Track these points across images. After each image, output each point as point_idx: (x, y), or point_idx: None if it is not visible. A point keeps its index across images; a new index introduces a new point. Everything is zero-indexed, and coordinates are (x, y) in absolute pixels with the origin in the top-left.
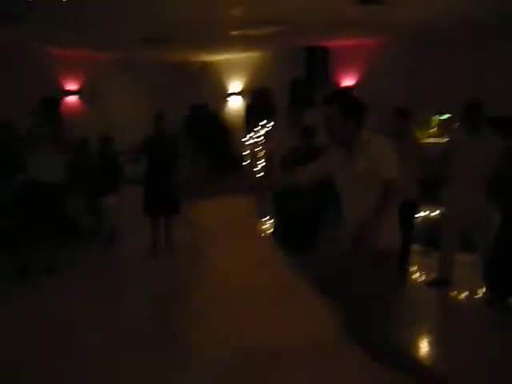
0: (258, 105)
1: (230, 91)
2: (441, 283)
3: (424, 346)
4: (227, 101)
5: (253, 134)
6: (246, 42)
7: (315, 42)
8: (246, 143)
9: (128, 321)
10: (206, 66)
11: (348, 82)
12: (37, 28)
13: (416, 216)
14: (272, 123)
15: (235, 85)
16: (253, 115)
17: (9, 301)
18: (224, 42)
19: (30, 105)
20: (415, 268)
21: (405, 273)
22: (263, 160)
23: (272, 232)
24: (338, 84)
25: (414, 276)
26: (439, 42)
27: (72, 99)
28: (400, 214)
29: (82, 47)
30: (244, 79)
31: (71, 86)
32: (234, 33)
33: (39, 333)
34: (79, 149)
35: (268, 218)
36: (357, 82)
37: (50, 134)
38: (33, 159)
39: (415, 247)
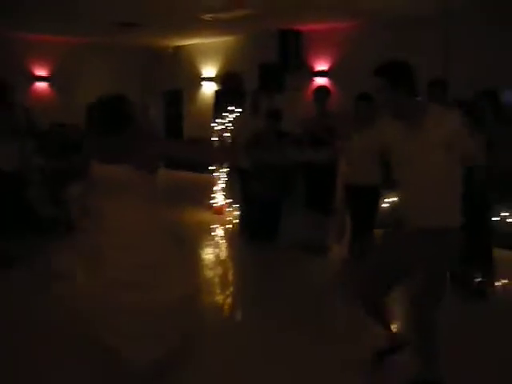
0: (227, 90)
1: (203, 76)
2: None
3: None
4: (201, 85)
5: (220, 119)
6: (219, 26)
7: (288, 26)
8: (215, 128)
9: None
10: (179, 51)
11: (321, 66)
12: (5, 12)
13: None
14: (240, 108)
15: (209, 69)
16: (222, 100)
17: None
18: (197, 26)
19: None
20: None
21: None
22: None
23: (239, 221)
24: (312, 68)
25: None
26: (412, 26)
27: (42, 85)
28: (363, 198)
29: (54, 32)
30: (218, 64)
31: (41, 71)
32: (207, 16)
33: None
34: (43, 136)
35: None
36: (330, 66)
37: (2, 121)
38: None
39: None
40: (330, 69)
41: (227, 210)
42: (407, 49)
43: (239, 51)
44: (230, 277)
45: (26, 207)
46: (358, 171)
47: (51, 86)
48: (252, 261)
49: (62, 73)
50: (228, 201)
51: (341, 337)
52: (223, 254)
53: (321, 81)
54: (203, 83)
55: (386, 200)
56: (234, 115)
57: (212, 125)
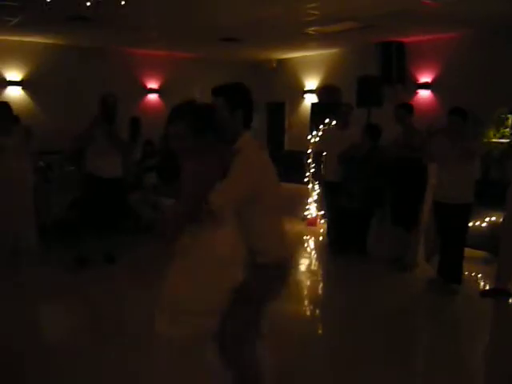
0: (324, 102)
1: (306, 88)
2: (498, 293)
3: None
4: (303, 98)
5: (316, 131)
6: (322, 39)
7: (391, 38)
8: (311, 141)
9: None
10: (282, 64)
11: (425, 78)
12: (117, 29)
13: (469, 220)
14: (334, 122)
15: (311, 82)
16: (319, 113)
17: (70, 289)
18: (300, 39)
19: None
20: (478, 276)
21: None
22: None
23: (327, 233)
24: (416, 80)
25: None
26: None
27: (153, 97)
28: (454, 217)
29: (164, 48)
30: (320, 76)
31: (152, 84)
32: (311, 30)
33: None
34: (146, 147)
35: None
36: (434, 78)
37: (105, 133)
38: (91, 156)
39: (482, 254)
40: (434, 81)
41: (320, 221)
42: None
43: (342, 64)
44: (313, 289)
45: (128, 210)
46: (450, 187)
47: (160, 97)
48: (337, 274)
49: (171, 85)
50: (320, 213)
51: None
52: (309, 265)
53: (424, 93)
54: (305, 96)
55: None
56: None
57: (308, 137)
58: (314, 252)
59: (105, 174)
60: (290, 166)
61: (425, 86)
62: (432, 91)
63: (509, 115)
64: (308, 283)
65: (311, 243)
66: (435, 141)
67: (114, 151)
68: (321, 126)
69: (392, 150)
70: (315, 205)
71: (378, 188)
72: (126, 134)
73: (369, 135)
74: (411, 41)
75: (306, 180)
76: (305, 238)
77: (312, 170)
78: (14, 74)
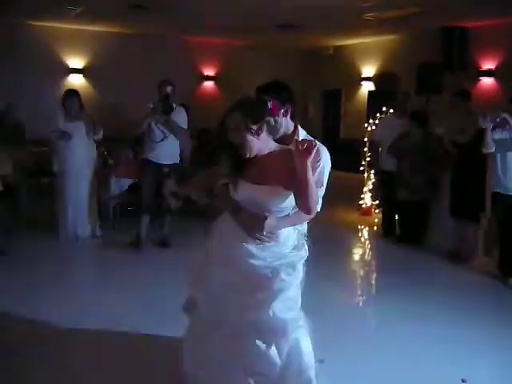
0: (382, 90)
1: (363, 75)
2: None
3: None
4: (361, 85)
5: (373, 120)
6: (380, 25)
7: (453, 23)
8: (367, 129)
9: None
10: (339, 50)
11: (488, 65)
12: (175, 17)
13: None
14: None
15: (369, 69)
16: (376, 100)
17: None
18: (358, 25)
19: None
20: None
21: None
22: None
23: (382, 223)
24: (478, 67)
25: None
26: None
27: (210, 84)
28: None
29: (220, 35)
30: (378, 63)
31: (209, 71)
32: (369, 15)
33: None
34: (200, 135)
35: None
36: (497, 65)
37: (163, 120)
38: (149, 142)
39: None
40: (497, 68)
41: (375, 211)
42: None
43: (400, 50)
44: (366, 279)
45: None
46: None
47: (216, 84)
48: (391, 265)
49: (227, 73)
50: (375, 202)
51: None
52: (363, 255)
53: (487, 81)
54: (362, 83)
55: None
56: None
57: (365, 125)
58: (367, 242)
59: (160, 160)
60: (346, 155)
61: (488, 73)
62: (495, 78)
63: None
64: (361, 273)
65: (365, 233)
66: (497, 129)
67: (170, 137)
68: (377, 114)
69: (446, 138)
70: (370, 194)
71: (434, 178)
72: None
73: (415, 123)
74: (474, 26)
75: (361, 169)
76: (359, 227)
77: (368, 159)
78: (76, 61)
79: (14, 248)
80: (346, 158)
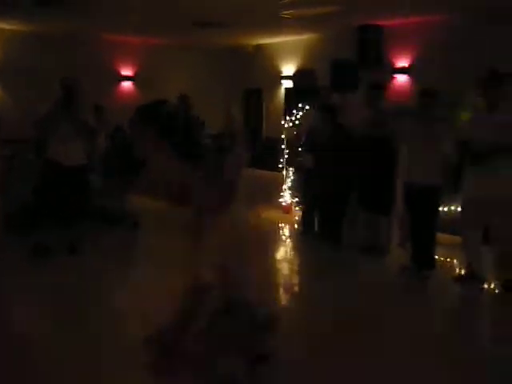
0: (300, 87)
1: (283, 74)
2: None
3: None
4: (281, 84)
5: (289, 117)
6: (299, 24)
7: (369, 21)
8: (284, 126)
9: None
10: (259, 49)
11: (402, 62)
12: (88, 14)
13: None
14: (311, 105)
15: (289, 68)
16: (294, 97)
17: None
18: (277, 24)
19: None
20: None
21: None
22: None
23: (301, 218)
24: (393, 64)
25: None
26: (496, 19)
27: (127, 84)
28: (423, 199)
29: (138, 33)
30: (297, 62)
31: (126, 71)
32: (287, 14)
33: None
34: (113, 134)
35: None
36: (411, 63)
37: (67, 119)
38: (52, 142)
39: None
40: (411, 65)
41: (295, 208)
42: (488, 43)
43: (319, 48)
44: (286, 276)
45: (89, 201)
46: (418, 169)
47: (135, 85)
48: (309, 261)
49: (146, 73)
50: (295, 200)
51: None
52: (283, 254)
53: (402, 78)
54: (283, 81)
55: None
56: (301, 113)
57: (282, 122)
58: (288, 240)
59: (66, 161)
60: (268, 153)
61: (402, 70)
62: (409, 76)
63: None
64: (280, 272)
65: (286, 231)
66: (404, 122)
67: (76, 137)
68: (294, 111)
69: (357, 130)
70: (289, 192)
71: (345, 171)
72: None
73: (327, 116)
74: (389, 24)
75: (280, 166)
76: (279, 225)
77: (286, 157)
78: None
79: None
80: (270, 157)
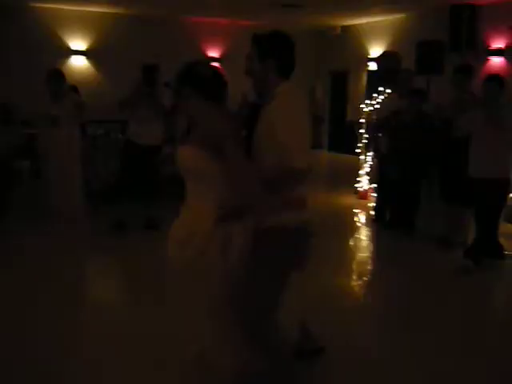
0: (382, 70)
1: (370, 56)
2: None
3: None
4: (367, 66)
5: (370, 100)
6: (388, 3)
7: (461, 1)
8: (363, 110)
9: None
10: (347, 31)
11: (498, 44)
12: None
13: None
14: (388, 90)
15: (376, 49)
16: (376, 81)
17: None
18: (365, 2)
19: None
20: None
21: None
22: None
23: (374, 207)
24: (487, 46)
25: None
26: None
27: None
28: (490, 193)
29: (224, 15)
30: (385, 43)
31: (213, 52)
32: None
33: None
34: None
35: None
36: (508, 44)
37: (146, 101)
38: (132, 122)
39: None
40: (507, 47)
41: (372, 194)
42: None
43: (408, 29)
44: (358, 264)
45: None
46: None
47: (222, 66)
48: (381, 251)
49: (233, 54)
50: (373, 185)
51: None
52: (355, 240)
53: (496, 60)
54: (370, 64)
55: None
56: (382, 96)
57: (361, 106)
58: (361, 226)
59: (141, 141)
60: (352, 137)
61: (497, 52)
62: (505, 58)
63: None
64: (352, 258)
65: (361, 217)
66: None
67: (153, 118)
68: (374, 95)
69: (441, 115)
70: (367, 177)
71: (422, 158)
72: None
73: (413, 100)
74: (484, 3)
75: (357, 151)
76: (354, 211)
77: (364, 141)
78: (78, 43)
79: None
80: (351, 141)
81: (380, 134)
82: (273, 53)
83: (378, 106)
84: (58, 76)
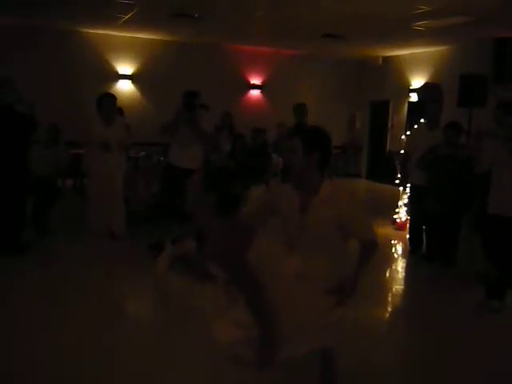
0: (422, 101)
1: (412, 87)
2: None
3: None
4: (409, 96)
5: (409, 132)
6: (430, 35)
7: (506, 34)
8: (404, 141)
9: None
10: (388, 61)
11: None
12: (220, 25)
13: None
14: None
15: (418, 80)
16: (417, 112)
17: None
18: (407, 35)
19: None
20: None
21: None
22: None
23: (409, 239)
24: None
25: None
26: None
27: (256, 92)
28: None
29: (267, 44)
30: (427, 74)
31: (255, 80)
32: (419, 25)
33: None
34: (236, 141)
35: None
36: None
37: (187, 125)
38: (173, 145)
39: None
40: None
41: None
42: None
43: (450, 61)
44: (388, 296)
45: None
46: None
47: (263, 93)
48: (416, 285)
49: (274, 82)
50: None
51: None
52: (391, 271)
53: None
54: (411, 94)
55: None
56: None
57: (402, 137)
58: (398, 258)
59: (182, 164)
60: (389, 167)
61: None
62: None
63: None
64: (387, 290)
65: (398, 248)
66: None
67: (194, 142)
68: (415, 126)
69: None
70: (405, 208)
71: (464, 190)
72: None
73: (450, 133)
74: None
75: (397, 182)
76: (392, 242)
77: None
78: (125, 68)
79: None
80: (390, 171)
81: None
82: (319, 147)
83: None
84: (111, 101)
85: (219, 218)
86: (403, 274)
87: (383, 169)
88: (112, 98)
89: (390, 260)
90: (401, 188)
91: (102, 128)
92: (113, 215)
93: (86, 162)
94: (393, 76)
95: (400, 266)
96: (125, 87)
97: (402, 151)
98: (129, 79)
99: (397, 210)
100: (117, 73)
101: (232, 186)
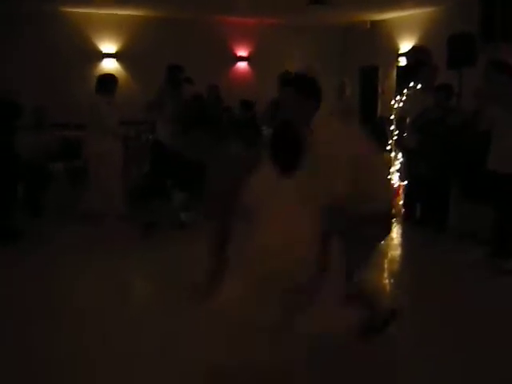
0: (411, 65)
1: (401, 51)
2: None
3: None
4: (398, 61)
5: (400, 96)
6: None
7: None
8: (394, 106)
9: None
10: (376, 26)
11: None
12: None
13: None
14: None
15: (407, 44)
16: (405, 76)
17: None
18: None
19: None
20: None
21: None
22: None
23: (403, 205)
24: None
25: None
26: None
27: (243, 65)
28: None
29: (252, 14)
30: (416, 38)
31: (242, 52)
32: None
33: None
34: (224, 113)
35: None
36: None
37: (172, 101)
38: (158, 122)
39: None
40: None
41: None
42: None
43: (440, 23)
44: (384, 262)
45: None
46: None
47: (250, 65)
48: (411, 248)
49: (261, 53)
50: (403, 183)
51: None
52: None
53: None
54: (400, 59)
55: None
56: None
57: (392, 102)
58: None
59: (169, 141)
60: (379, 134)
61: None
62: None
63: None
64: (384, 256)
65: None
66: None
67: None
68: (404, 91)
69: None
70: (398, 174)
71: (453, 154)
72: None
73: (440, 96)
74: None
75: (388, 148)
76: None
77: (394, 138)
78: (109, 46)
79: None
80: (381, 138)
81: (405, 134)
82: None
83: (405, 102)
84: (113, 82)
85: None
86: (398, 239)
87: (374, 135)
88: (113, 78)
89: None
90: (393, 154)
91: (107, 110)
92: (114, 195)
93: (89, 145)
94: (381, 40)
95: (394, 231)
96: (110, 66)
97: (393, 116)
98: (113, 57)
99: (389, 177)
100: (101, 52)
101: None
